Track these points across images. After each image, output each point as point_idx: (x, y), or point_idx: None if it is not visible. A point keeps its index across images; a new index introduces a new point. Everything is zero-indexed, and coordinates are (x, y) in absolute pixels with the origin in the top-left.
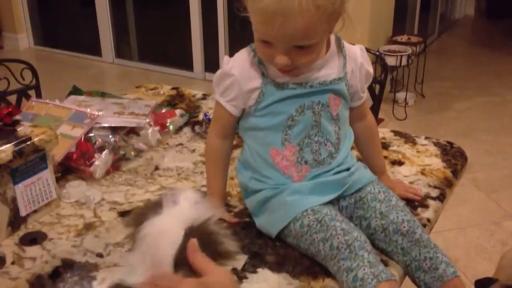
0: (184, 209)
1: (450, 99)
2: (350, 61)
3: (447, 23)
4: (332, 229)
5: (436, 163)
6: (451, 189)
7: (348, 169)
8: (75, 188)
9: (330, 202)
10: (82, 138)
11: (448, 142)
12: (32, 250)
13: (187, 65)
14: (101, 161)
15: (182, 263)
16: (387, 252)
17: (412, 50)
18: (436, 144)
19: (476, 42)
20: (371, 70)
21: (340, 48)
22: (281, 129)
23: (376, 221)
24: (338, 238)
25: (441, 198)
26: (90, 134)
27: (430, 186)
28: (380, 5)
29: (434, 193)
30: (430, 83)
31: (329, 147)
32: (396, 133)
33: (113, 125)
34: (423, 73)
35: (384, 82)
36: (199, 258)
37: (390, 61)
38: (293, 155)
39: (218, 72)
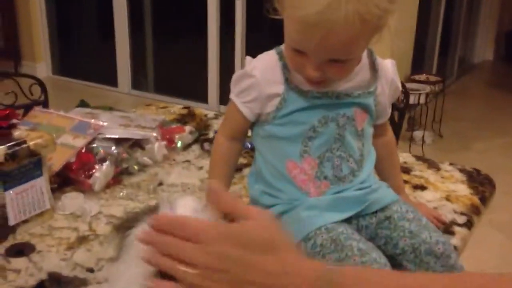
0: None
1: (468, 139)
2: (382, 76)
3: (466, 66)
4: (347, 249)
5: (462, 189)
6: (479, 217)
7: (369, 187)
8: (72, 200)
9: (348, 221)
10: (84, 149)
11: (474, 169)
12: (18, 262)
13: (202, 97)
14: (101, 173)
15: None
16: None
17: (431, 89)
18: (462, 170)
19: (494, 85)
20: (400, 86)
21: (372, 61)
22: (300, 140)
23: (405, 240)
24: (354, 259)
25: (469, 225)
26: (93, 145)
27: (456, 212)
28: (399, 44)
29: (461, 219)
30: (448, 123)
31: (351, 163)
32: (418, 158)
33: (117, 137)
34: (441, 112)
35: (405, 110)
36: (226, 199)
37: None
38: (312, 169)
39: (238, 72)
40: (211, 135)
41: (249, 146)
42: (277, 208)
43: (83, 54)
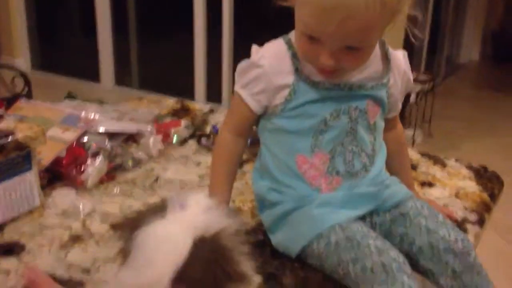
0: (195, 214)
1: (458, 138)
2: (394, 67)
3: (453, 66)
4: (364, 248)
5: (470, 186)
6: (489, 214)
7: (382, 183)
8: (63, 196)
9: (362, 218)
10: (75, 143)
11: (481, 165)
12: (7, 262)
13: (189, 94)
14: (94, 168)
15: (184, 279)
16: (433, 273)
17: (421, 88)
18: (468, 167)
19: (482, 85)
20: (411, 78)
21: (384, 51)
22: (311, 134)
23: (422, 237)
24: (372, 258)
25: (481, 223)
26: (84, 139)
27: (466, 209)
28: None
29: (472, 217)
30: (438, 123)
31: (363, 158)
32: (423, 154)
33: (110, 130)
34: (431, 112)
35: (404, 109)
36: None
37: None
38: (323, 164)
39: (244, 61)
40: (208, 130)
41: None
42: (286, 205)
43: (64, 49)
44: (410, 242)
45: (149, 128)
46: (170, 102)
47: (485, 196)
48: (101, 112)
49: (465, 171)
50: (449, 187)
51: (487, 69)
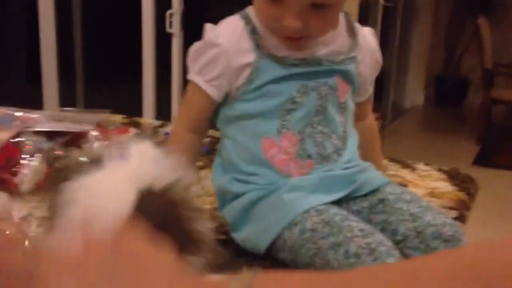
0: (139, 164)
1: None
2: (362, 43)
3: (399, 110)
4: (346, 231)
5: (444, 186)
6: (469, 212)
7: (357, 166)
8: None
9: (337, 205)
10: (8, 143)
11: (452, 168)
12: None
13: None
14: (30, 170)
15: None
16: None
17: None
18: (439, 169)
19: (427, 127)
20: (380, 58)
21: (350, 25)
22: (278, 114)
23: (406, 224)
24: (355, 241)
25: (462, 219)
26: (19, 139)
27: (445, 207)
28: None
29: (452, 214)
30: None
31: (334, 140)
32: (390, 159)
33: (49, 129)
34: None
35: None
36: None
37: None
38: (293, 146)
39: (198, 42)
40: (160, 137)
41: (207, 149)
42: (251, 194)
43: (5, 96)
44: (393, 230)
45: (94, 132)
46: (118, 117)
47: (461, 194)
48: (40, 114)
49: (436, 174)
50: (423, 187)
51: (432, 113)
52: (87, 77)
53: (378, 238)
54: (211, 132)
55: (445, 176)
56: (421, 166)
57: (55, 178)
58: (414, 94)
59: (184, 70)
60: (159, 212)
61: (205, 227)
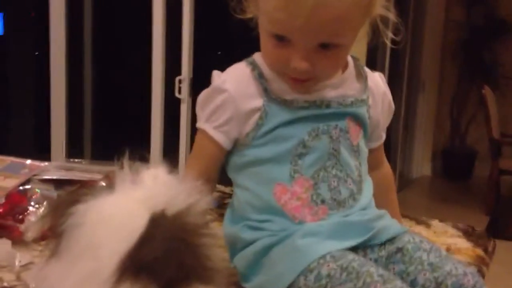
0: (152, 187)
1: None
2: (372, 85)
3: (405, 181)
4: (365, 276)
5: (461, 242)
6: (488, 268)
7: (373, 213)
8: None
9: (354, 252)
10: (16, 191)
11: (468, 225)
12: None
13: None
14: (36, 218)
15: (140, 260)
16: None
17: None
18: (455, 227)
19: (434, 197)
20: (392, 102)
21: (359, 69)
22: (289, 159)
23: (425, 274)
24: (376, 287)
25: (481, 274)
26: (27, 186)
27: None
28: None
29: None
30: None
31: (350, 184)
32: (403, 216)
33: (57, 177)
34: None
35: None
36: None
37: None
38: (306, 192)
39: (205, 90)
40: None
41: (216, 204)
42: (262, 241)
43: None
44: (412, 281)
45: (102, 182)
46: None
47: (479, 251)
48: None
49: (452, 230)
50: (439, 243)
51: (439, 184)
52: (95, 133)
53: (399, 284)
54: (221, 187)
55: (460, 233)
56: (436, 223)
57: (66, 200)
58: (421, 165)
59: (192, 136)
60: (171, 236)
61: (218, 255)
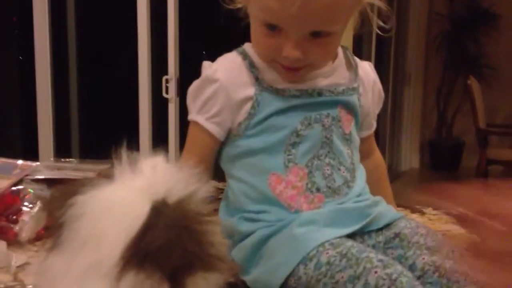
0: (152, 176)
1: None
2: (362, 74)
3: (395, 174)
4: (365, 262)
5: (455, 229)
6: None
7: (369, 199)
8: None
9: (352, 239)
10: (8, 191)
11: (462, 212)
12: None
13: None
14: (31, 217)
15: (142, 249)
16: None
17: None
18: (449, 213)
19: (423, 189)
20: (382, 90)
21: (349, 58)
22: (282, 148)
23: (423, 258)
24: (376, 272)
25: None
26: (19, 187)
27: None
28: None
29: None
30: None
31: (343, 172)
32: (398, 205)
33: (50, 177)
34: None
35: None
36: None
37: None
38: (301, 180)
39: (196, 81)
40: None
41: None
42: (260, 232)
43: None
44: (411, 265)
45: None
46: None
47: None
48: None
49: (446, 217)
50: (434, 230)
51: (427, 175)
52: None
53: (399, 269)
54: (213, 182)
55: (454, 220)
56: (429, 211)
57: (65, 192)
58: (410, 158)
59: (181, 135)
60: (173, 224)
61: (220, 242)
